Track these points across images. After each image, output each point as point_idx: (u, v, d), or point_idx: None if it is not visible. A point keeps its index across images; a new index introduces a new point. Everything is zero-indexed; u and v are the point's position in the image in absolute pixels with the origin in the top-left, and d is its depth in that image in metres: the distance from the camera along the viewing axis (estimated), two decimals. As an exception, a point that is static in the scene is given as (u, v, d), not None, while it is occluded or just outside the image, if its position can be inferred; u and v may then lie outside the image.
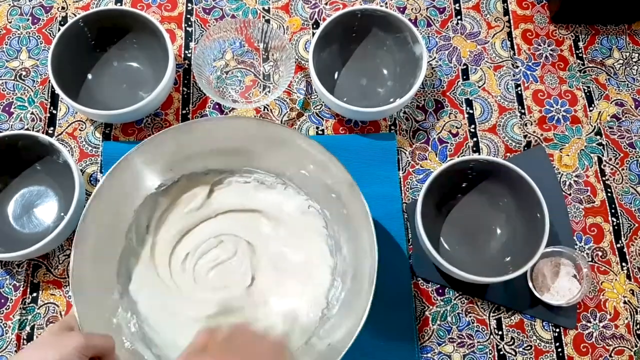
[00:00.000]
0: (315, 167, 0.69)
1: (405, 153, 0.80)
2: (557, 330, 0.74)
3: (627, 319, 0.74)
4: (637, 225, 0.78)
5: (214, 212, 0.74)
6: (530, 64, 0.85)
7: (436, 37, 0.86)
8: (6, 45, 0.84)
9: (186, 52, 0.85)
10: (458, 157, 0.80)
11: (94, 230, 0.65)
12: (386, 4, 0.88)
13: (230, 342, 0.57)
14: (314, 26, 0.87)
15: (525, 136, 0.81)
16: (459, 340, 0.73)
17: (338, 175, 0.66)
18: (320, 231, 0.72)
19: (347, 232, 0.69)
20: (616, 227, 0.78)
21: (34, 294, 0.73)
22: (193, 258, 0.72)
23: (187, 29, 0.86)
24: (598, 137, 0.82)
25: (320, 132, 0.81)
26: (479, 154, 0.80)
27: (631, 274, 0.76)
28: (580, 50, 0.87)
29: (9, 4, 0.86)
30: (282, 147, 0.69)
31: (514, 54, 0.86)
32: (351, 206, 0.67)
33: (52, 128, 0.80)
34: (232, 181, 0.74)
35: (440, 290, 0.75)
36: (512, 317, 0.74)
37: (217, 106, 0.82)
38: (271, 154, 0.71)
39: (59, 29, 0.80)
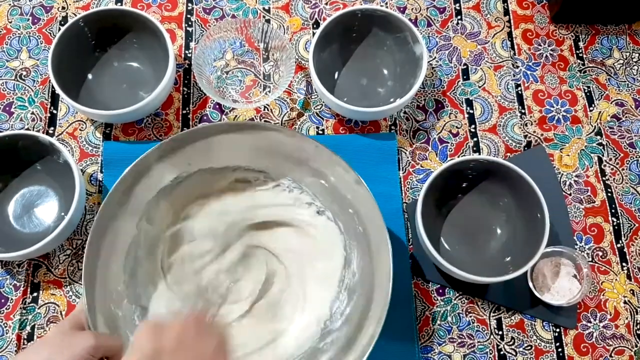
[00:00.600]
0: (335, 180, 0.67)
1: (405, 153, 0.80)
2: (558, 330, 0.74)
3: (627, 319, 0.74)
4: (637, 225, 0.78)
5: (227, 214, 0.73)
6: (530, 64, 0.85)
7: (436, 37, 0.86)
8: (6, 45, 0.84)
9: (186, 52, 0.85)
10: (458, 157, 0.80)
11: (108, 224, 0.65)
12: (386, 3, 0.88)
13: (181, 344, 0.53)
14: (314, 26, 0.87)
15: (525, 136, 0.81)
16: (459, 340, 0.73)
17: (359, 193, 0.65)
18: (337, 238, 0.71)
19: (360, 249, 0.67)
20: (616, 227, 0.78)
21: (35, 294, 0.73)
22: (208, 265, 0.72)
23: (188, 28, 0.86)
24: (598, 137, 0.82)
25: (320, 132, 0.81)
26: (479, 154, 0.80)
27: (631, 274, 0.76)
28: (580, 50, 0.87)
29: (9, 4, 0.86)
30: (304, 160, 0.67)
31: (514, 54, 0.86)
32: (369, 227, 0.65)
33: (52, 128, 0.80)
34: (251, 185, 0.73)
35: (440, 290, 0.75)
36: (512, 317, 0.74)
37: (217, 106, 0.82)
38: (291, 164, 0.69)
39: (59, 29, 0.80)
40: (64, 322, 0.57)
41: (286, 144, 0.67)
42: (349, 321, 0.65)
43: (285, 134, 0.67)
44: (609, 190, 0.79)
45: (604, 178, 0.80)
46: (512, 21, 0.88)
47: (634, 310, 0.74)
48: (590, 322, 0.74)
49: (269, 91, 0.83)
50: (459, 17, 0.88)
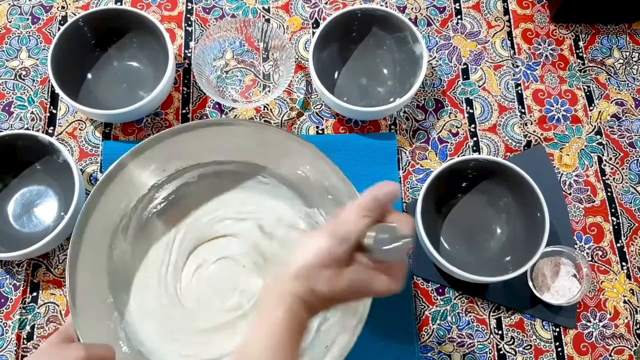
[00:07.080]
0: (311, 168, 0.68)
1: (405, 152, 0.80)
2: (557, 329, 0.74)
3: (627, 318, 0.74)
4: (637, 224, 0.78)
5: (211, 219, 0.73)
6: (530, 63, 0.85)
7: (436, 36, 0.86)
8: (6, 44, 0.84)
9: (186, 51, 0.85)
10: (458, 156, 0.80)
11: (89, 231, 0.65)
12: (386, 3, 0.88)
13: None
14: (314, 25, 0.87)
15: (525, 136, 0.81)
16: (459, 340, 0.73)
17: (332, 176, 0.66)
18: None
19: None
20: (616, 227, 0.78)
21: (34, 294, 0.73)
22: (196, 271, 0.72)
23: (187, 28, 0.86)
24: (598, 136, 0.82)
25: (320, 132, 0.81)
26: (479, 154, 0.80)
27: (631, 274, 0.76)
28: (580, 50, 0.86)
29: (9, 4, 0.86)
30: (276, 149, 0.69)
31: (514, 53, 0.86)
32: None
33: (52, 127, 0.80)
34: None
35: (440, 290, 0.75)
36: (512, 317, 0.74)
37: (217, 106, 0.82)
38: (266, 156, 0.70)
39: (59, 29, 0.80)
40: (52, 336, 0.56)
41: (257, 136, 0.68)
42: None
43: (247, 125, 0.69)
44: (609, 189, 0.79)
45: (603, 177, 0.80)
46: (512, 21, 0.88)
47: (634, 309, 0.75)
48: (590, 321, 0.74)
49: (269, 91, 0.83)
50: (458, 16, 0.88)
